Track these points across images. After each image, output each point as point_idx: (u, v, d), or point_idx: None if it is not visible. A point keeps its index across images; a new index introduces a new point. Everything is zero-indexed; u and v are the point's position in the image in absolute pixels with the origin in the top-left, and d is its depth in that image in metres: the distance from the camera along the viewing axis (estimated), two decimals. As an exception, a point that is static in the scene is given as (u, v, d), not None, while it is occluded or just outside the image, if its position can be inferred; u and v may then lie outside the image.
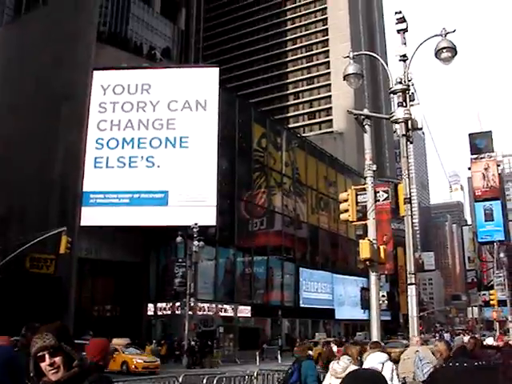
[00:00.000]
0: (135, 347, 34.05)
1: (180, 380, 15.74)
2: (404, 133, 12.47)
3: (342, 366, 7.18)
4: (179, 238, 39.89)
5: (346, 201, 14.32)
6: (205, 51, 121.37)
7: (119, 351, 30.25)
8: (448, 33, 12.13)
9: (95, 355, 5.00)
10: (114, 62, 51.21)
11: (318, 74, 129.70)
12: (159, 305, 48.15)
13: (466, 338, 29.92)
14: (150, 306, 48.68)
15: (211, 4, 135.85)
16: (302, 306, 62.57)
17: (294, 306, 61.58)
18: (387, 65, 14.66)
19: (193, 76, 50.38)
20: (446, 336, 60.95)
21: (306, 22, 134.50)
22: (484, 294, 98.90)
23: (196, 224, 38.51)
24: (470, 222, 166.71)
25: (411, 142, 13.04)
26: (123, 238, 46.09)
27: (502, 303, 61.08)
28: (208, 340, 41.75)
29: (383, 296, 50.21)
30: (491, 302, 50.42)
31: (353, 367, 7.26)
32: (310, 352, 12.02)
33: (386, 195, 13.98)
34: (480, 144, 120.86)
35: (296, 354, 11.44)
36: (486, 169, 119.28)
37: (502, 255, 61.21)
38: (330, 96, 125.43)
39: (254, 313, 53.74)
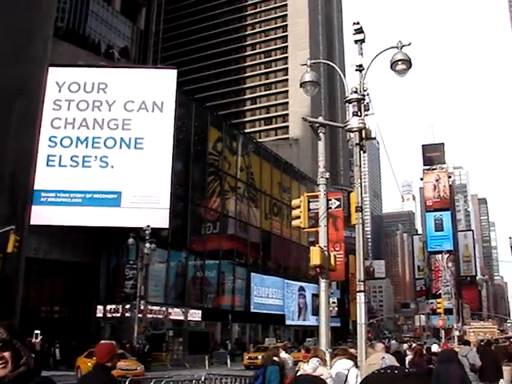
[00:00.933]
0: (123, 352, 30.10)
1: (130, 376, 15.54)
2: (358, 142, 12.62)
3: (311, 366, 7.54)
4: (131, 240, 39.47)
5: (298, 207, 14.41)
6: (164, 52, 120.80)
7: None
8: (404, 46, 12.33)
9: (103, 358, 5.28)
10: (71, 59, 50.44)
11: (275, 80, 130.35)
12: (109, 307, 47.48)
13: (406, 345, 30.45)
14: (100, 308, 47.95)
15: (172, 5, 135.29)
16: (252, 310, 62.61)
17: (244, 311, 61.58)
18: (345, 74, 14.84)
19: (150, 77, 50.00)
20: (393, 343, 61.83)
21: (266, 28, 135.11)
22: (432, 303, 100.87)
23: (148, 226, 38.18)
24: (420, 232, 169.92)
25: (364, 151, 13.20)
26: (74, 239, 45.34)
27: (448, 311, 62.39)
28: (157, 343, 41.39)
29: (333, 303, 50.78)
30: (438, 311, 51.36)
31: (321, 368, 7.82)
32: (276, 358, 12.52)
33: (338, 203, 14.14)
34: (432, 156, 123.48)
35: (262, 360, 12.18)
36: (437, 180, 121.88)
37: (449, 264, 62.54)
38: (286, 103, 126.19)
39: (204, 317, 53.53)
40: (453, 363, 9.53)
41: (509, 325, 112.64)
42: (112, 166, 46.30)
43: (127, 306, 44.43)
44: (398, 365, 9.43)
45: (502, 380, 19.02)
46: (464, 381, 9.21)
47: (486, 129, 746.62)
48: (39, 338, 35.62)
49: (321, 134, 14.50)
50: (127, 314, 44.22)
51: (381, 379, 2.27)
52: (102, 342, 6.06)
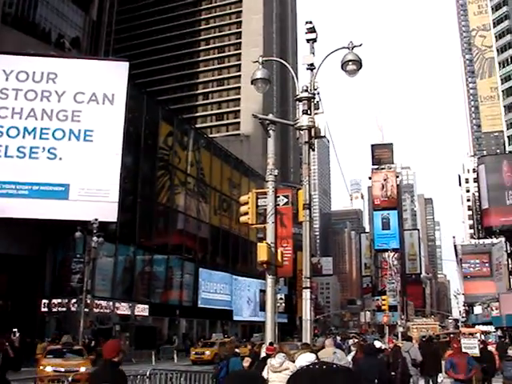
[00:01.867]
0: (71, 349, 26.56)
1: (69, 379, 15.28)
2: (307, 140, 12.73)
3: (278, 361, 7.95)
4: (78, 233, 38.83)
5: (246, 203, 14.46)
6: (116, 44, 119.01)
7: (42, 356, 24.57)
8: (355, 46, 12.48)
9: (111, 353, 5.99)
10: (20, 47, 49.26)
11: (228, 76, 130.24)
12: (54, 301, 46.57)
13: (351, 341, 30.95)
14: (45, 302, 47.00)
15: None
16: (200, 306, 62.51)
17: (192, 306, 61.43)
18: (297, 72, 14.99)
19: (102, 69, 49.20)
20: (319, 340, 62.70)
21: (221, 23, 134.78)
22: (377, 299, 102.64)
23: (96, 219, 37.65)
24: (368, 230, 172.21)
25: (313, 150, 13.34)
26: (19, 231, 44.31)
27: (393, 308, 63.56)
28: (103, 338, 40.83)
29: (281, 299, 51.02)
30: (383, 307, 52.40)
31: (287, 362, 8.45)
32: (237, 350, 13.00)
33: (286, 200, 14.25)
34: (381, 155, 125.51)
35: (225, 352, 13.49)
36: (385, 179, 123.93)
37: (395, 262, 63.74)
38: (239, 99, 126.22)
39: (151, 312, 53.16)
40: (373, 356, 10.78)
41: (450, 321, 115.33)
42: (60, 158, 45.44)
43: (73, 301, 43.72)
44: (348, 359, 10.24)
45: (440, 374, 19.56)
46: (381, 371, 10.27)
47: (433, 131, 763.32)
48: (17, 335, 35.18)
49: (271, 132, 14.58)
50: (73, 309, 43.51)
51: (310, 374, 2.33)
52: (110, 340, 6.77)
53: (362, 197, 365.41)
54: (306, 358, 8.41)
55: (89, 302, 39.22)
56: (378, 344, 14.34)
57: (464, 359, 12.76)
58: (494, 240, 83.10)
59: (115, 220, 45.75)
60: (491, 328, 55.10)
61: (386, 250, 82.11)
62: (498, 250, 77.23)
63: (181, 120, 67.47)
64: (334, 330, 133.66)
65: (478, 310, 79.11)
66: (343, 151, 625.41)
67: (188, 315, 60.44)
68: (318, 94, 13.28)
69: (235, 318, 69.95)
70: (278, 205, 14.26)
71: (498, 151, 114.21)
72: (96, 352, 38.39)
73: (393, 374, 14.23)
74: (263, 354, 12.77)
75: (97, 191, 44.94)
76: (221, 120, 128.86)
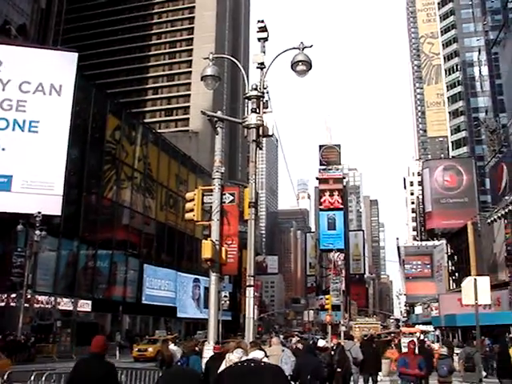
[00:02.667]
0: None
1: (5, 377, 14.79)
2: (254, 138, 12.78)
3: (236, 356, 8.04)
4: (20, 226, 37.98)
5: (192, 200, 14.43)
6: (65, 34, 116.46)
7: None
8: (305, 47, 12.59)
9: (98, 348, 6.63)
10: (-38, 34, 47.77)
11: (179, 71, 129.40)
12: (-8, 295, 45.36)
13: (295, 340, 31.26)
14: (-18, 297, 45.69)
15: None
16: (144, 302, 61.99)
17: (136, 303, 60.87)
18: (248, 71, 14.96)
19: (49, 58, 48.10)
20: (281, 337, 63.17)
21: (173, 18, 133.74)
22: (321, 299, 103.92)
23: (39, 212, 36.88)
24: (313, 230, 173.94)
25: (261, 148, 13.40)
26: (-43, 223, 43.00)
27: (336, 308, 64.37)
28: (43, 334, 40.08)
29: (225, 296, 51.07)
30: (326, 306, 52.90)
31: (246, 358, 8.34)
32: (197, 348, 13.06)
33: (232, 197, 14.28)
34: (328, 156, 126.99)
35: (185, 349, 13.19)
36: (332, 180, 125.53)
37: (340, 262, 64.60)
38: (188, 95, 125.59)
39: (94, 307, 52.41)
40: (311, 354, 11.38)
41: (391, 321, 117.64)
42: (3, 149, 44.30)
43: (13, 296, 42.67)
44: (294, 358, 10.56)
45: (380, 373, 19.98)
46: (317, 369, 10.79)
47: (381, 135, 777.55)
48: None
49: (219, 129, 14.59)
50: (12, 304, 42.47)
51: (239, 370, 2.36)
52: (98, 336, 7.15)
53: (309, 197, 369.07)
54: (256, 355, 8.59)
55: (29, 297, 38.38)
56: (321, 342, 14.54)
57: (416, 359, 13.27)
58: (436, 242, 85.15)
59: (59, 213, 44.93)
60: (430, 328, 56.46)
61: (331, 250, 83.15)
62: (439, 252, 79.07)
63: (129, 114, 66.70)
64: (277, 329, 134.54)
65: (418, 310, 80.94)
66: (291, 151, 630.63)
67: (131, 311, 59.86)
68: (268, 93, 13.35)
69: (179, 314, 69.64)
70: (224, 202, 14.29)
71: (442, 156, 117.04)
72: (35, 349, 37.67)
73: (339, 370, 14.58)
74: (207, 353, 12.78)
75: (41, 184, 44.02)
76: (170, 115, 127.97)
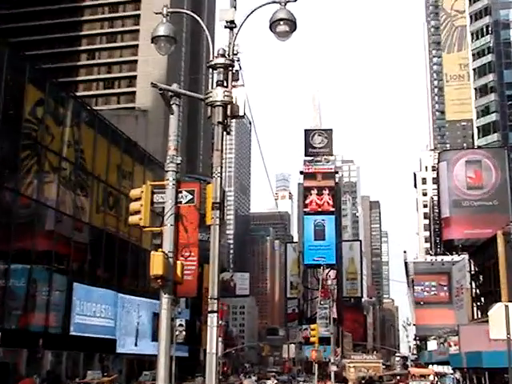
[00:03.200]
0: None
1: None
2: (220, 120, 12.80)
3: None
4: None
5: (138, 199, 14.37)
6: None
7: None
8: (288, 1, 12.56)
9: None
10: None
11: (122, 29, 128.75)
12: None
13: (270, 382, 31.42)
14: None
15: None
16: (72, 333, 61.49)
17: (62, 334, 60.39)
18: (214, 32, 14.99)
19: None
20: (253, 380, 63.31)
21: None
22: (305, 329, 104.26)
23: None
24: (296, 239, 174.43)
25: (228, 133, 13.43)
26: None
27: (324, 341, 64.44)
28: None
29: (181, 325, 51.19)
30: (312, 339, 53.09)
31: None
32: None
33: (190, 196, 14.27)
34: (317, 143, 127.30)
35: None
36: (321, 175, 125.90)
37: (329, 282, 64.98)
38: (135, 61, 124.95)
39: (4, 342, 51.85)
40: None
41: (397, 359, 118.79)
42: None
43: None
44: None
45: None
46: None
47: (385, 118, 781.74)
48: None
49: (174, 107, 14.56)
50: None
51: None
52: (26, 379, 7.41)
53: (291, 196, 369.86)
54: None
55: None
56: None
57: None
58: (455, 257, 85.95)
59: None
60: (448, 369, 56.90)
61: (319, 266, 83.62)
62: (460, 271, 79.87)
63: (56, 84, 66.08)
64: (248, 368, 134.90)
65: (432, 345, 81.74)
66: (269, 137, 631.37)
67: (56, 346, 59.36)
68: (239, 60, 13.36)
69: (119, 349, 69.31)
70: (181, 202, 14.28)
71: (465, 145, 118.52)
72: None
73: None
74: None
75: None
76: (111, 88, 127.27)
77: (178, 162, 14.31)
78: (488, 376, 46.24)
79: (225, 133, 13.14)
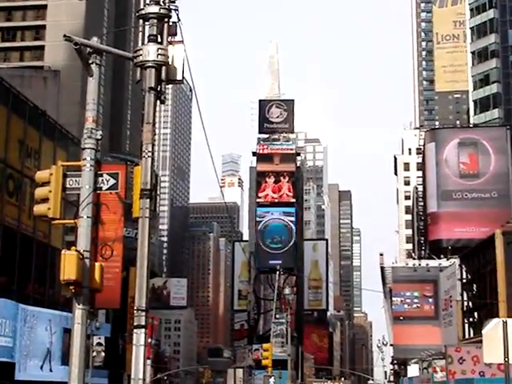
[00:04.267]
0: None
1: None
2: (153, 85, 12.76)
3: None
4: None
5: (46, 184, 14.22)
6: None
7: None
8: None
9: None
10: None
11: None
12: None
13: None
14: None
15: None
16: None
17: None
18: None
19: None
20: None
21: None
22: (256, 350, 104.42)
23: None
24: (246, 237, 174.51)
25: (163, 102, 13.38)
26: None
27: (280, 364, 64.63)
28: None
29: (100, 344, 50.95)
30: (264, 362, 53.15)
31: None
32: None
33: (114, 181, 14.16)
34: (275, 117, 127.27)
35: None
36: (279, 157, 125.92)
37: (287, 291, 65.13)
38: (44, 6, 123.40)
39: None
40: None
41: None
42: None
43: None
44: None
45: None
46: None
47: (360, 88, 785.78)
48: None
49: (94, 67, 14.40)
50: None
51: None
52: None
53: (241, 184, 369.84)
54: None
55: None
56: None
57: None
58: (444, 262, 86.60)
59: None
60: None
61: (275, 271, 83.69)
62: (449, 279, 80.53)
63: None
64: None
65: (413, 370, 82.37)
66: (215, 109, 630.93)
67: None
68: (177, 10, 13.31)
69: (19, 376, 68.63)
70: (101, 189, 14.17)
71: (458, 122, 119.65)
72: None
73: None
74: None
75: None
76: (11, 41, 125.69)
77: (98, 137, 14.17)
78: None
79: (158, 102, 13.10)
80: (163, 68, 12.94)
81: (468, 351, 46.00)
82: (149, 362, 69.00)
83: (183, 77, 13.45)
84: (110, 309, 56.53)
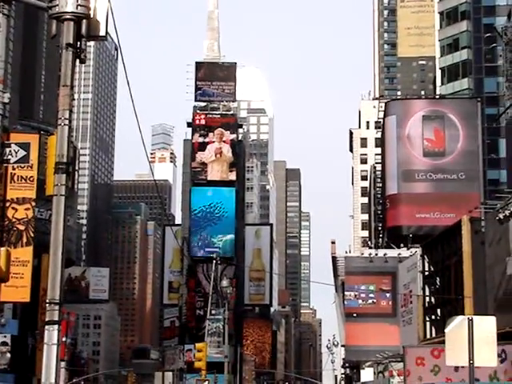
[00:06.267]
0: None
1: None
2: (71, 41, 12.56)
3: None
4: None
5: None
6: None
7: None
8: None
9: None
10: None
11: None
12: None
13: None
14: None
15: None
16: None
17: None
18: None
19: None
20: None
21: None
22: (189, 350, 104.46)
23: None
24: (179, 221, 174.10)
25: (82, 61, 13.17)
26: None
27: (216, 367, 64.82)
28: None
29: (4, 344, 50.56)
30: (197, 364, 53.06)
31: None
32: None
33: (23, 153, 14.00)
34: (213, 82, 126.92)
35: None
36: (218, 128, 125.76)
37: (225, 283, 64.92)
38: None
39: None
40: None
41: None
42: None
43: None
44: None
45: None
46: None
47: (311, 54, 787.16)
48: None
49: (0, 18, 14.20)
50: None
51: None
52: None
53: (173, 159, 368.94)
54: None
55: None
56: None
57: None
58: (403, 252, 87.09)
59: None
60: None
61: (211, 260, 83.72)
62: (409, 271, 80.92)
63: None
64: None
65: (367, 375, 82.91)
66: (144, 71, 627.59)
67: None
68: None
69: None
70: (8, 161, 14.00)
71: (423, 93, 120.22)
72: None
73: None
74: None
75: None
76: None
77: (6, 100, 13.98)
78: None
79: (78, 61, 12.91)
80: (83, 21, 12.72)
81: (429, 353, 46.24)
82: (63, 364, 68.54)
83: (107, 32, 13.24)
84: (17, 303, 56.11)
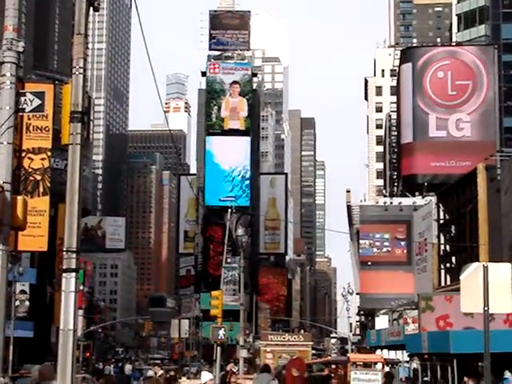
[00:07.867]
0: None
1: None
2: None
3: None
4: None
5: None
6: None
7: None
8: None
9: (49, 377, 9.96)
10: None
11: None
12: None
13: (152, 372, 31.45)
14: None
15: None
16: None
17: None
18: None
19: None
20: (127, 369, 63.36)
21: None
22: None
23: None
24: (194, 170, 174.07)
25: (96, 9, 13.12)
26: None
27: (232, 315, 65.04)
28: None
29: (23, 292, 50.68)
30: (213, 312, 53.11)
31: None
32: None
33: (38, 102, 13.94)
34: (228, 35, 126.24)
35: None
36: (232, 78, 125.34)
37: (240, 232, 64.92)
38: None
39: None
40: None
41: (334, 341, 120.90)
42: None
43: None
44: None
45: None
46: None
47: (325, 1, 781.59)
48: None
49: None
50: None
51: None
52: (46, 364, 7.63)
53: (188, 108, 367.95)
54: None
55: None
56: (205, 377, 14.84)
57: None
58: (418, 200, 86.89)
59: None
60: (403, 355, 57.85)
61: (226, 210, 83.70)
62: (424, 219, 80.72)
63: None
64: (121, 355, 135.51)
65: (382, 322, 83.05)
66: (158, 20, 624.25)
67: None
68: None
69: None
70: (23, 110, 13.94)
71: (439, 40, 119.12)
72: None
73: None
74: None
75: None
76: None
77: (20, 49, 13.89)
78: (456, 364, 44.84)
79: (91, 9, 12.86)
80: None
81: (444, 300, 46.06)
82: (81, 312, 68.96)
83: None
84: (35, 252, 56.18)
